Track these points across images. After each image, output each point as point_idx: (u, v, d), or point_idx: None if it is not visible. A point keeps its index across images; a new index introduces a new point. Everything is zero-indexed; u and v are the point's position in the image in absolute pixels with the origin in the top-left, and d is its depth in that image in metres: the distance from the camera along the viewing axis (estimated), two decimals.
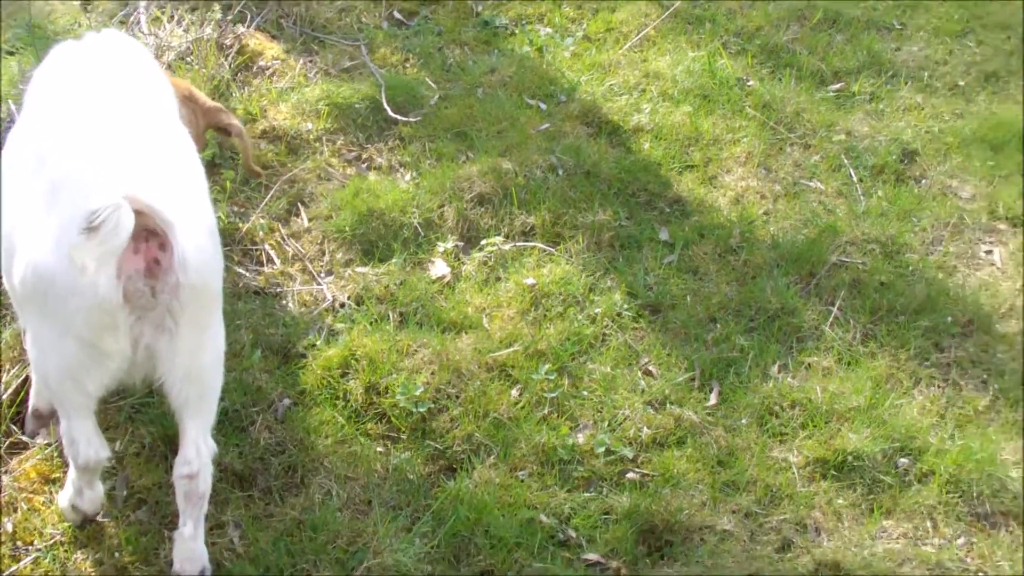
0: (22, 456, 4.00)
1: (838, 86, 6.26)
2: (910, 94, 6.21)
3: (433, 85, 6.03)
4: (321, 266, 4.95)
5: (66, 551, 3.74)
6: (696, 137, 5.72)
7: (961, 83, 6.33)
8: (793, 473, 4.22)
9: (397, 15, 6.65)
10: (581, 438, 4.29)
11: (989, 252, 5.25)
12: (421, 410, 4.29)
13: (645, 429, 4.32)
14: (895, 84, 6.27)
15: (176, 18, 6.01)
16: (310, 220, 5.13)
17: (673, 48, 6.40)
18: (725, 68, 6.21)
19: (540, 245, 5.05)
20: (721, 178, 5.52)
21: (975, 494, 4.17)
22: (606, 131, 5.76)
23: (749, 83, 6.15)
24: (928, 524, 4.10)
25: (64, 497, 3.76)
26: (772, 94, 6.02)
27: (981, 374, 4.67)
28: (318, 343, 4.55)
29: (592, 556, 3.93)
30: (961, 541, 4.06)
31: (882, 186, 5.54)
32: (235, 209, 5.12)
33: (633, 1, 6.77)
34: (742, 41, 6.53)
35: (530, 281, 4.83)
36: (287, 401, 4.32)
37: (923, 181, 5.62)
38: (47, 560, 3.72)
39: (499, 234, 5.10)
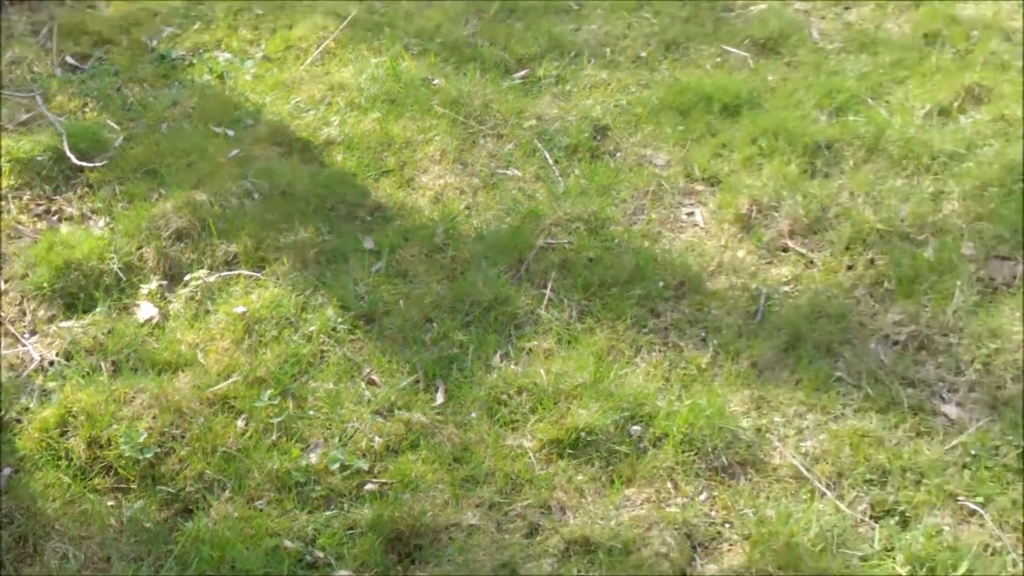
0: None
1: (523, 73, 6.30)
2: (595, 71, 6.28)
3: (116, 126, 5.90)
4: (24, 327, 4.80)
5: None
6: (388, 142, 5.70)
7: (643, 54, 6.43)
8: (530, 458, 4.23)
9: (70, 60, 6.50)
10: (314, 458, 4.24)
11: (691, 214, 5.34)
12: (148, 456, 4.19)
13: (377, 438, 4.29)
14: (579, 63, 6.34)
15: None
16: (6, 281, 4.98)
17: (355, 57, 6.37)
18: (409, 70, 6.21)
19: (245, 272, 4.98)
20: (418, 179, 5.50)
21: (710, 449, 4.25)
22: (297, 149, 5.70)
23: (435, 82, 6.16)
24: (669, 485, 4.16)
25: None
26: (459, 89, 6.03)
27: (699, 332, 4.74)
28: (31, 406, 4.41)
29: (343, 573, 3.89)
30: (703, 497, 4.13)
31: (578, 164, 5.60)
32: None
33: (310, 16, 6.72)
34: (423, 41, 6.53)
35: (240, 309, 4.76)
36: (8, 470, 4.17)
37: (618, 154, 5.69)
38: None
39: (202, 267, 5.01)
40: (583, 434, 4.29)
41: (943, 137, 5.58)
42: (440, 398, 4.48)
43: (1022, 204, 5.17)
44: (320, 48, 6.45)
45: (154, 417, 4.32)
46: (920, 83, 6.02)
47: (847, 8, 6.76)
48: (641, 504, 4.09)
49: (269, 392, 4.43)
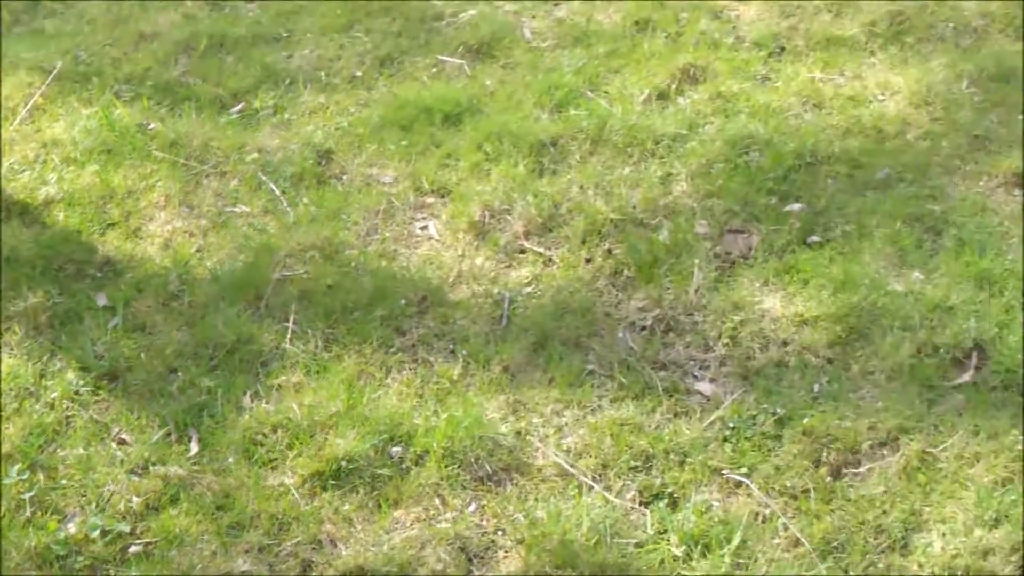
0: None
1: (240, 107, 6.21)
2: (312, 96, 6.22)
3: None
4: None
5: None
6: (110, 194, 5.56)
7: (359, 73, 6.39)
8: (294, 495, 4.17)
9: None
10: (73, 528, 4.10)
11: (424, 228, 5.32)
12: None
13: (135, 498, 4.18)
14: (295, 91, 6.27)
15: None
16: None
17: (66, 111, 6.20)
18: (123, 118, 6.06)
19: None
20: (145, 228, 5.38)
21: (473, 460, 4.24)
22: (16, 212, 5.51)
23: (151, 126, 6.03)
24: (437, 501, 4.14)
25: None
26: (176, 131, 5.92)
27: (447, 345, 4.73)
28: None
29: None
30: (472, 508, 4.12)
31: (306, 192, 5.53)
32: None
33: (12, 74, 6.53)
34: (134, 86, 6.39)
35: None
36: None
37: (344, 177, 5.64)
38: None
39: None
40: (344, 463, 4.24)
41: (664, 120, 5.66)
42: (195, 447, 4.38)
43: (748, 177, 5.26)
44: (28, 106, 6.27)
45: None
46: (636, 70, 6.09)
47: (556, 5, 6.80)
48: (411, 524, 4.06)
49: (17, 467, 4.28)
